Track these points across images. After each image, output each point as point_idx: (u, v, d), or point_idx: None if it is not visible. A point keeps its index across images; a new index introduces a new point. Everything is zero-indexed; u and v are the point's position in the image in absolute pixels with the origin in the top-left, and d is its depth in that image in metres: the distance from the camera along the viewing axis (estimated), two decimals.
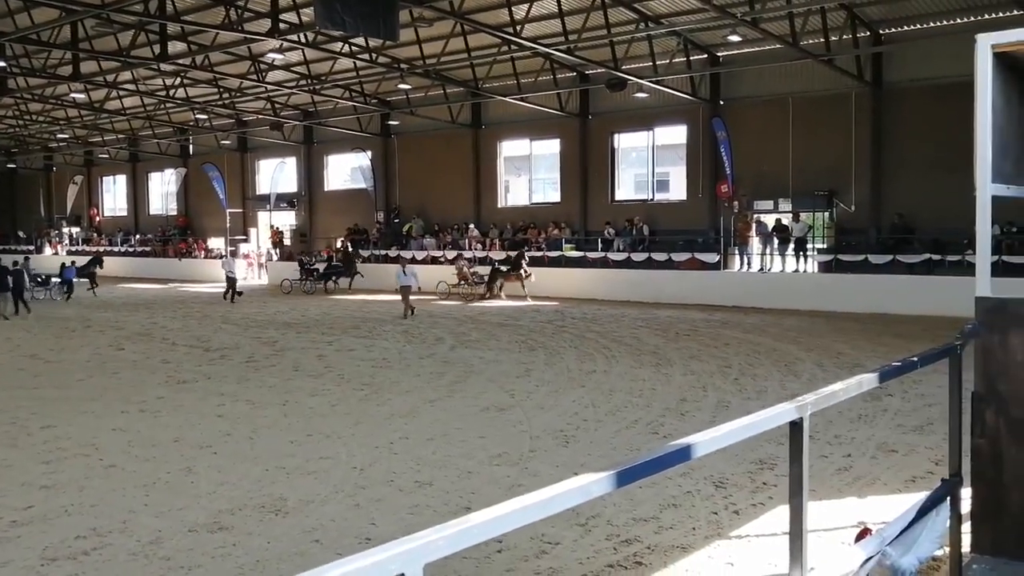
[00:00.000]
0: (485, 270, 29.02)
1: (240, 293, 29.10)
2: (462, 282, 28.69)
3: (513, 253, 29.55)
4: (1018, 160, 4.60)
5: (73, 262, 34.81)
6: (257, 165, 44.30)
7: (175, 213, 47.95)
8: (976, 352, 4.26)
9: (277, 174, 40.91)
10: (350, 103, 34.68)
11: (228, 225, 41.67)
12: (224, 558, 6.07)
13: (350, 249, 35.02)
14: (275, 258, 40.80)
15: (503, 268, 28.25)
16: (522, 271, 27.36)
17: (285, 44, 26.12)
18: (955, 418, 3.91)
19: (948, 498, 3.84)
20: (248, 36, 24.18)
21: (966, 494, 4.21)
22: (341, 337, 19.02)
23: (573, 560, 5.93)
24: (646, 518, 6.70)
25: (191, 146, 46.59)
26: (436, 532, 1.50)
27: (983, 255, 4.36)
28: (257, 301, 29.02)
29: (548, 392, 12.21)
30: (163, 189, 49.14)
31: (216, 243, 44.04)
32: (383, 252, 36.00)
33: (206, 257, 43.46)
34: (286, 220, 42.71)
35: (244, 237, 43.79)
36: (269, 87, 32.89)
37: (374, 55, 28.43)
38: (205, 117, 39.94)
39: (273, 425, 10.33)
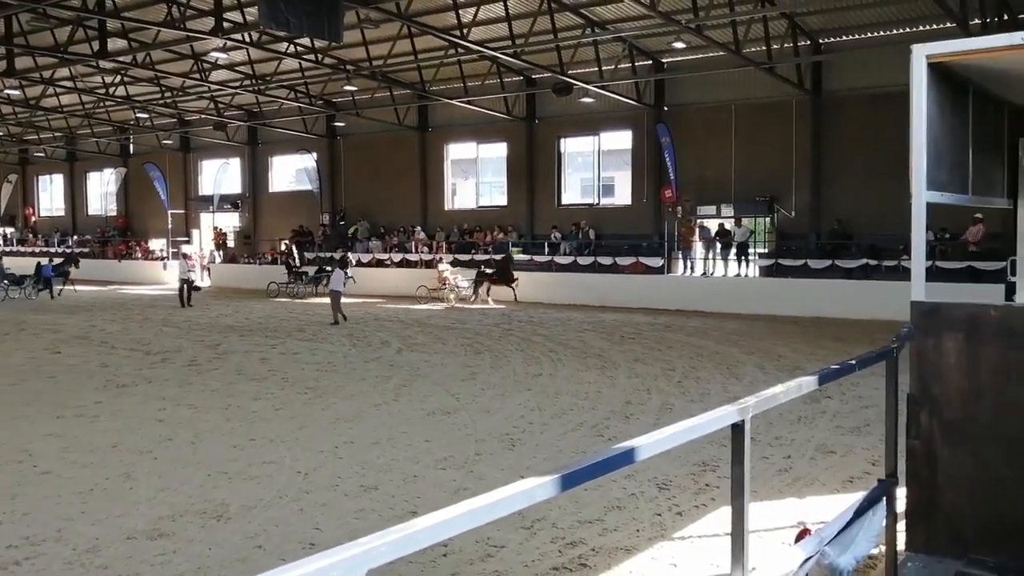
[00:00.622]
0: (467, 272, 28.45)
1: (185, 297, 27.60)
2: (443, 286, 27.89)
3: (498, 257, 29.02)
4: (952, 168, 4.73)
5: (50, 260, 34.59)
6: (200, 165, 43.63)
7: (115, 214, 46.96)
8: (911, 355, 4.37)
9: (220, 175, 40.34)
10: (295, 104, 34.35)
11: (170, 226, 40.98)
12: (164, 565, 5.96)
13: (339, 254, 33.95)
14: (218, 260, 40.18)
15: (488, 271, 27.72)
16: (512, 277, 26.84)
17: (229, 43, 25.75)
18: (891, 420, 4.00)
19: (884, 498, 3.92)
20: (191, 34, 23.80)
21: (901, 494, 4.31)
22: (285, 340, 18.81)
23: (518, 563, 5.93)
24: (591, 520, 6.74)
25: (131, 145, 45.66)
26: (379, 538, 1.48)
27: (918, 260, 4.47)
28: (200, 303, 28.51)
29: (494, 395, 12.21)
30: (102, 189, 48.04)
31: (158, 244, 43.26)
32: (328, 255, 35.68)
33: (146, 259, 42.66)
34: (229, 221, 42.13)
35: (186, 238, 43.05)
36: (212, 86, 32.40)
37: (320, 56, 28.19)
38: (146, 116, 39.18)
39: (215, 429, 10.16)
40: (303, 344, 18.17)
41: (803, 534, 3.50)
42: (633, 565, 5.89)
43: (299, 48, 27.51)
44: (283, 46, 27.11)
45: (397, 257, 33.24)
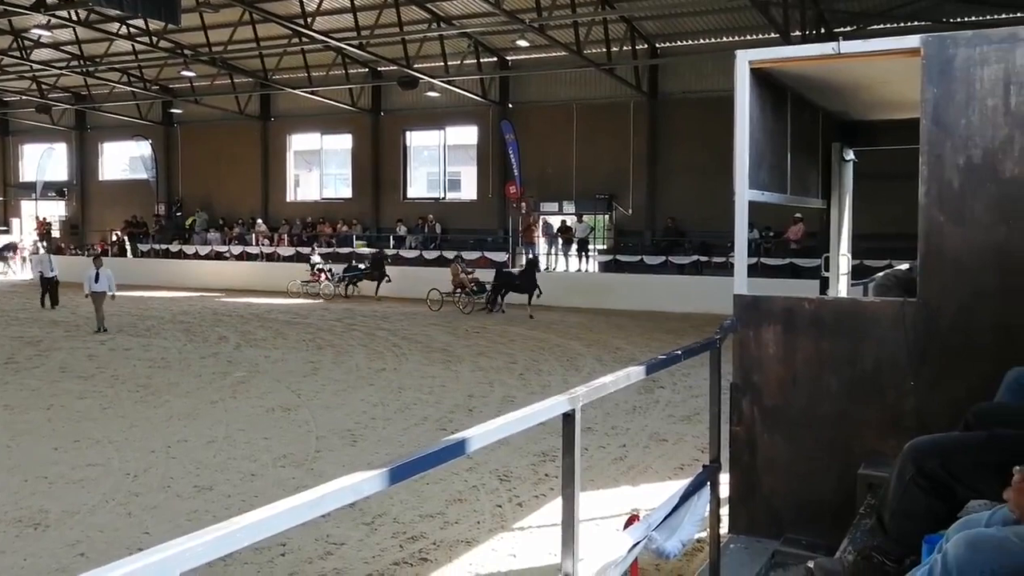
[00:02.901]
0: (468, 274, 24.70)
1: (53, 298, 23.74)
2: (458, 290, 23.99)
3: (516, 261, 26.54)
4: (772, 169, 5.01)
5: None
6: (21, 150, 40.91)
7: None
8: (734, 346, 4.60)
9: (44, 161, 37.88)
10: (128, 88, 32.64)
11: None
12: None
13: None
14: (42, 251, 37.69)
15: (512, 273, 24.19)
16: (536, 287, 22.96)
17: (53, 20, 24.17)
18: (715, 408, 4.18)
19: (709, 483, 4.10)
20: (9, 8, 22.19)
21: (725, 479, 4.53)
22: (115, 336, 17.88)
23: (359, 559, 5.88)
24: (432, 514, 6.76)
25: None
26: (193, 539, 1.42)
27: (741, 256, 4.71)
28: (21, 297, 26.71)
29: (336, 391, 12.04)
30: None
31: None
32: (164, 247, 34.18)
33: None
34: (55, 210, 39.67)
35: (5, 228, 40.24)
36: (35, 66, 30.36)
37: (155, 39, 26.86)
38: None
39: (35, 431, 9.56)
40: (135, 340, 17.34)
41: (632, 520, 3.62)
42: (473, 557, 5.95)
43: (132, 30, 26.15)
44: (115, 27, 25.72)
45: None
